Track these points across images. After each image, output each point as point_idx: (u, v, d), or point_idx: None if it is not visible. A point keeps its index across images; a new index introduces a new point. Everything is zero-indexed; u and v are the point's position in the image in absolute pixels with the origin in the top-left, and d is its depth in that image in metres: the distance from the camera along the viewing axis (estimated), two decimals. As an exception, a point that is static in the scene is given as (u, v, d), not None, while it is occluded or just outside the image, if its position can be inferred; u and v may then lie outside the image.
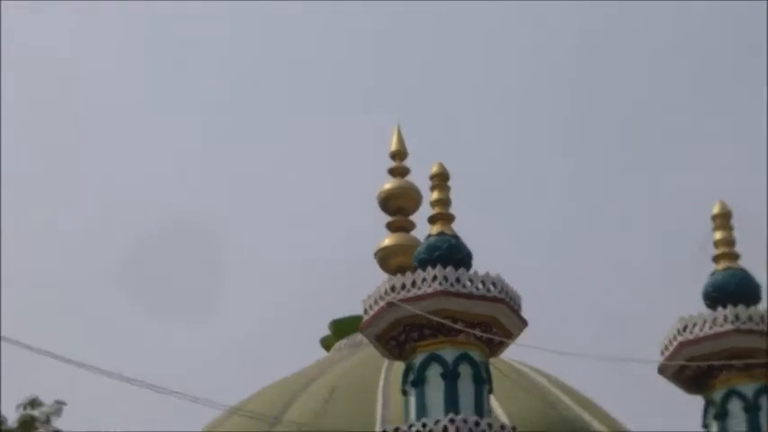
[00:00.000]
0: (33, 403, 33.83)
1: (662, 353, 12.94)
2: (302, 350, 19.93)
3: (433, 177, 13.37)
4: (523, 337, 12.91)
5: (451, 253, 12.43)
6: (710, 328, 12.51)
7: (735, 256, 13.17)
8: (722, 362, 12.54)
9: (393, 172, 18.25)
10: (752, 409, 12.59)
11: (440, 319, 11.97)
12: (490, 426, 11.80)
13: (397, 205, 18.49)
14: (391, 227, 18.51)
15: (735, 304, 12.57)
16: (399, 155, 18.16)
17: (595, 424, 16.92)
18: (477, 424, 11.64)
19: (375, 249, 18.42)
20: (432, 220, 13.21)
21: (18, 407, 35.44)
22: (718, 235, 13.41)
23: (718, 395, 12.69)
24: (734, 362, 12.54)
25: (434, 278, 12.09)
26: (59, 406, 34.10)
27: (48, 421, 33.88)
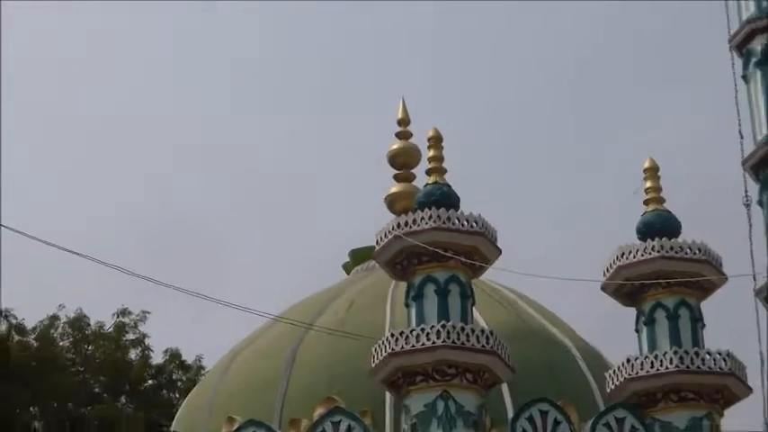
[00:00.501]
0: (124, 312, 34.48)
1: (604, 274, 13.49)
2: (329, 274, 20.31)
3: (429, 139, 13.86)
4: (499, 263, 13.36)
5: (443, 198, 12.90)
6: (641, 255, 13.05)
7: (661, 201, 13.60)
8: (651, 281, 13.11)
9: (399, 135, 18.70)
10: (672, 318, 13.09)
11: (434, 249, 12.48)
12: (473, 330, 12.23)
13: (402, 161, 18.98)
14: (397, 178, 18.94)
15: (660, 237, 13.24)
16: (404, 122, 18.59)
17: (555, 331, 17.42)
18: (462, 329, 12.12)
19: (384, 195, 19.02)
20: (428, 172, 13.76)
21: (113, 315, 36.10)
22: (648, 184, 13.85)
23: (646, 307, 13.21)
24: (660, 281, 13.07)
25: (430, 217, 12.57)
26: (144, 314, 34.62)
27: (135, 326, 34.54)
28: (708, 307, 13.43)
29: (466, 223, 12.70)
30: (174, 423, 18.09)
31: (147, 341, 33.56)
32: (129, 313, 33.07)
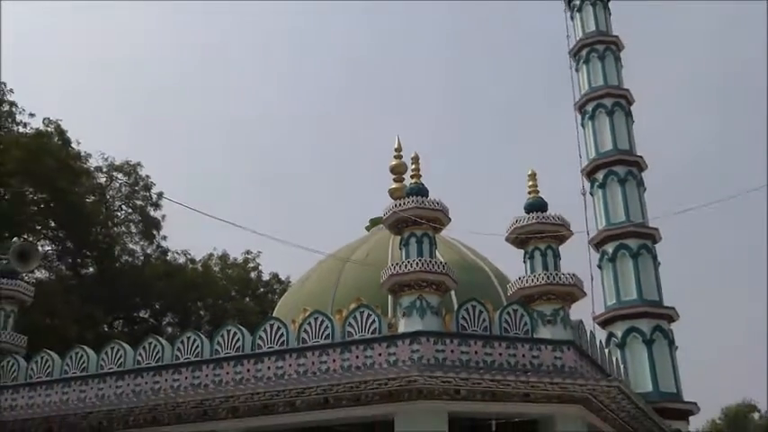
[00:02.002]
0: (248, 252, 33.21)
1: (509, 232, 13.56)
2: (358, 231, 20.52)
3: (412, 159, 14.14)
4: (450, 226, 13.66)
5: (419, 191, 13.13)
6: (527, 221, 13.18)
7: (537, 191, 13.76)
8: (531, 235, 13.21)
9: (395, 157, 19.07)
10: (543, 255, 13.13)
11: (415, 218, 12.80)
12: (436, 263, 12.56)
13: (397, 170, 19.35)
14: (395, 180, 19.33)
15: (537, 211, 13.33)
16: (397, 150, 18.89)
17: (480, 263, 17.64)
18: (429, 261, 12.45)
19: (387, 189, 19.36)
20: (411, 177, 13.96)
21: (241, 253, 34.98)
22: (530, 183, 13.96)
23: (529, 249, 13.27)
24: (537, 235, 13.18)
25: (412, 201, 12.87)
26: (258, 253, 33.56)
27: (254, 259, 33.10)
28: (562, 248, 13.60)
29: (431, 204, 12.97)
30: (274, 312, 18.46)
31: (260, 267, 34.55)
32: (251, 252, 33.95)
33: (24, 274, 16.84)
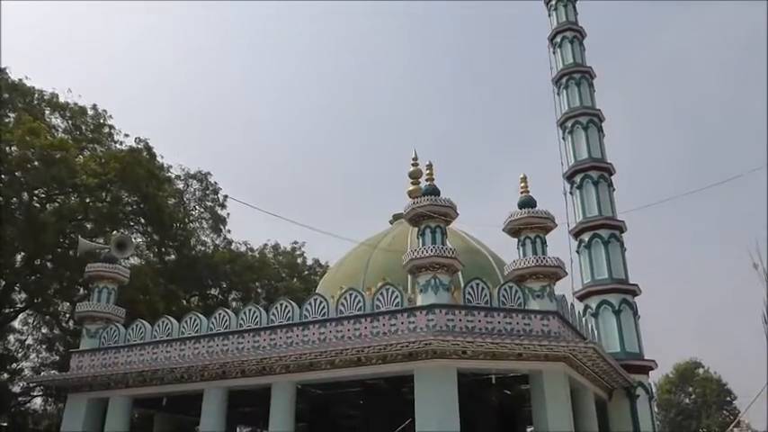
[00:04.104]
0: (296, 242, 33.00)
1: (505, 224, 13.44)
2: (383, 224, 20.39)
3: (427, 166, 13.96)
4: (458, 220, 13.52)
5: (433, 191, 12.93)
6: (519, 215, 13.03)
7: (527, 191, 13.60)
8: (523, 226, 13.14)
9: (413, 164, 19.00)
10: (533, 242, 12.95)
11: (429, 212, 12.77)
12: (446, 248, 12.41)
13: (415, 176, 19.27)
14: (413, 183, 19.22)
15: (527, 207, 13.19)
16: (415, 159, 18.76)
17: (482, 249, 17.62)
18: (441, 248, 12.34)
19: (406, 191, 19.19)
20: (426, 179, 13.65)
21: (290, 243, 35.08)
22: (522, 185, 13.76)
23: (522, 237, 13.09)
24: (528, 226, 13.04)
25: (427, 200, 12.74)
26: (303, 243, 33.30)
27: (300, 248, 32.99)
28: (548, 237, 13.41)
29: (443, 201, 12.81)
30: (316, 290, 18.40)
31: (304, 254, 34.55)
32: (297, 242, 34.01)
33: (122, 260, 16.97)
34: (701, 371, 62.87)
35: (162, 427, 17.10)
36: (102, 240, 20.90)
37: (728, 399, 61.22)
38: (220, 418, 13.51)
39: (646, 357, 16.97)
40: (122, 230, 22.19)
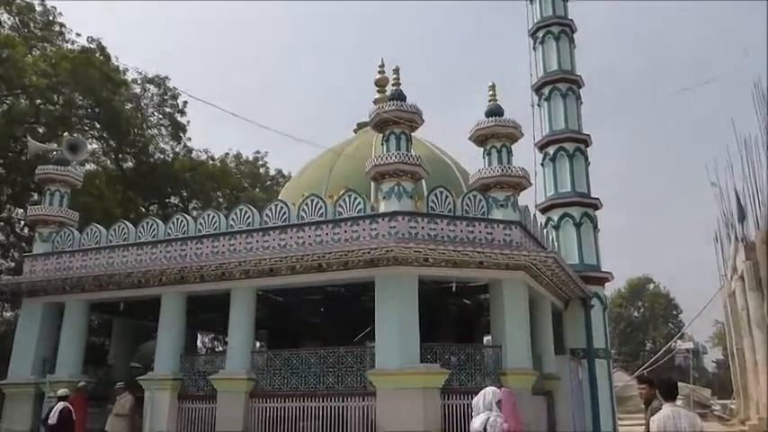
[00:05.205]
0: (258, 152, 32.23)
1: (472, 133, 13.16)
2: (348, 132, 20.01)
3: (393, 71, 13.42)
4: (422, 127, 13.17)
5: (399, 96, 12.43)
6: (486, 124, 12.80)
7: (495, 100, 13.24)
8: (490, 135, 12.92)
9: (379, 72, 18.45)
10: (499, 152, 12.74)
11: (395, 118, 12.28)
12: (411, 156, 12.06)
13: (381, 84, 18.74)
14: (378, 92, 18.73)
15: (494, 116, 12.95)
16: (381, 67, 18.23)
17: (447, 159, 17.31)
18: (406, 155, 11.96)
19: (374, 98, 18.66)
20: (393, 85, 13.20)
21: (253, 152, 34.31)
22: (490, 92, 13.43)
23: (488, 146, 12.86)
24: (495, 135, 12.84)
25: (393, 104, 12.30)
26: (266, 152, 32.90)
27: (263, 158, 32.20)
28: (514, 150, 13.15)
29: (408, 107, 12.38)
30: (279, 197, 18.06)
31: (267, 164, 34.01)
32: (260, 152, 33.42)
33: (75, 164, 16.31)
34: (651, 286, 65.34)
35: (120, 331, 16.96)
36: (55, 144, 19.99)
37: (675, 313, 64.06)
38: (179, 322, 13.39)
39: (602, 269, 17.23)
40: (76, 135, 21.26)
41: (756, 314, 19.11)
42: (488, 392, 6.37)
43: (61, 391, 12.08)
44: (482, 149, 13.12)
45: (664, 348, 45.52)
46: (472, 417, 6.40)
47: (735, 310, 24.29)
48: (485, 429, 5.94)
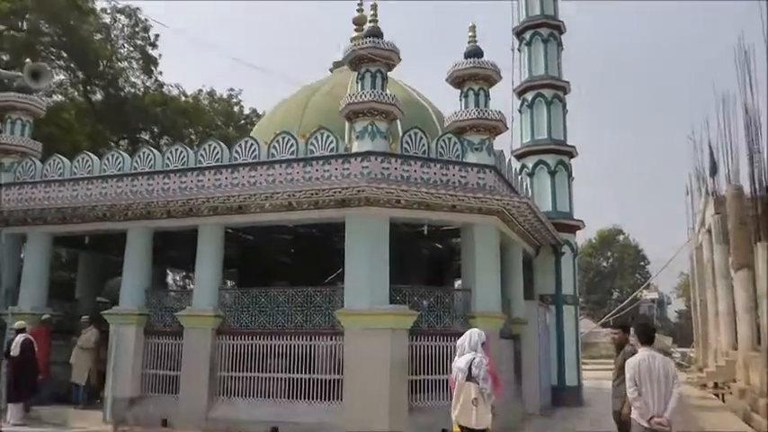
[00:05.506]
0: (232, 89, 31.72)
1: (449, 74, 12.80)
2: (325, 72, 19.48)
3: (371, 7, 12.95)
4: (399, 67, 12.75)
5: (376, 33, 12.02)
6: (465, 66, 12.43)
7: (475, 41, 12.83)
8: (469, 77, 12.50)
9: (358, 10, 17.87)
10: (477, 94, 12.36)
11: (370, 55, 11.88)
12: (387, 95, 11.74)
13: (359, 23, 18.21)
14: (356, 30, 18.23)
15: (473, 57, 12.56)
16: (360, 5, 17.67)
17: (422, 101, 16.91)
18: (381, 93, 11.70)
19: (350, 37, 18.14)
20: (370, 22, 12.70)
21: (227, 90, 33.67)
22: (470, 34, 12.94)
23: (465, 88, 12.48)
24: (473, 76, 12.46)
25: (369, 41, 11.89)
26: (240, 90, 32.12)
27: (238, 96, 31.62)
28: (492, 95, 12.86)
29: (385, 44, 11.97)
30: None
31: (241, 102, 33.26)
32: (234, 89, 32.62)
33: (41, 94, 15.70)
34: (621, 237, 66.40)
35: (87, 266, 16.65)
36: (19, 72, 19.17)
37: (642, 264, 65.39)
38: (145, 258, 13.14)
39: (575, 217, 17.29)
40: (43, 63, 20.40)
41: (721, 266, 19.44)
42: (474, 333, 6.34)
43: (18, 324, 11.92)
44: (459, 92, 12.77)
45: (630, 298, 46.44)
46: (456, 357, 6.35)
47: (701, 262, 24.73)
48: (470, 369, 5.92)
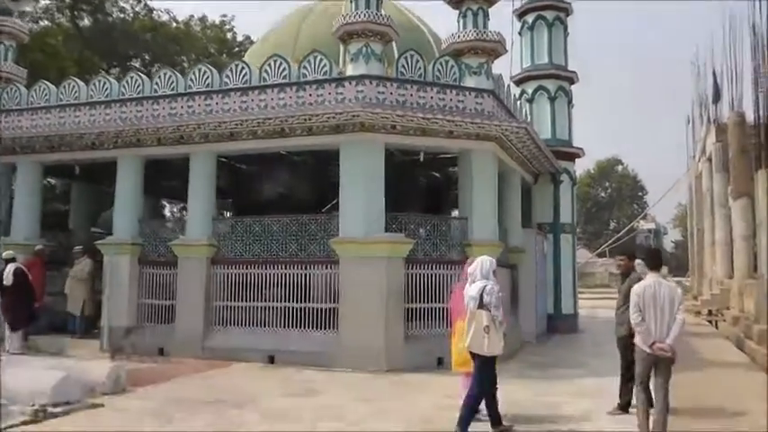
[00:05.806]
0: (225, 16, 30.30)
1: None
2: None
3: None
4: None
5: None
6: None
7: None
8: None
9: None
10: (475, 14, 11.76)
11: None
12: (382, 16, 11.21)
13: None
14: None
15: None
16: None
17: (421, 25, 16.17)
18: (376, 14, 11.16)
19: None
20: None
21: (220, 15, 32.11)
22: None
23: (463, 8, 11.90)
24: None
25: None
26: (233, 17, 30.69)
27: (231, 22, 29.73)
28: (491, 15, 12.30)
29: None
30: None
31: (234, 29, 32.30)
32: (226, 15, 31.60)
33: (26, 19, 15.04)
34: (619, 168, 66.08)
35: (80, 196, 16.41)
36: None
37: (640, 194, 65.32)
38: (136, 187, 12.88)
39: (574, 146, 16.97)
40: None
41: (720, 195, 19.22)
42: (486, 261, 6.19)
43: (6, 254, 11.78)
44: (457, 12, 12.20)
45: (627, 228, 46.57)
46: (467, 284, 6.20)
47: (699, 191, 24.53)
48: (481, 296, 5.81)
